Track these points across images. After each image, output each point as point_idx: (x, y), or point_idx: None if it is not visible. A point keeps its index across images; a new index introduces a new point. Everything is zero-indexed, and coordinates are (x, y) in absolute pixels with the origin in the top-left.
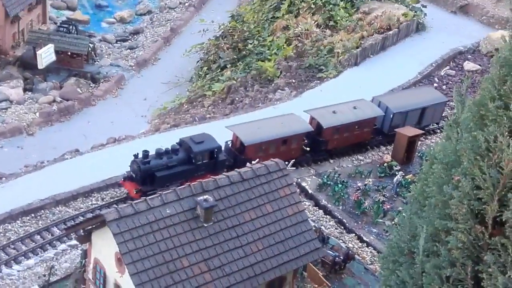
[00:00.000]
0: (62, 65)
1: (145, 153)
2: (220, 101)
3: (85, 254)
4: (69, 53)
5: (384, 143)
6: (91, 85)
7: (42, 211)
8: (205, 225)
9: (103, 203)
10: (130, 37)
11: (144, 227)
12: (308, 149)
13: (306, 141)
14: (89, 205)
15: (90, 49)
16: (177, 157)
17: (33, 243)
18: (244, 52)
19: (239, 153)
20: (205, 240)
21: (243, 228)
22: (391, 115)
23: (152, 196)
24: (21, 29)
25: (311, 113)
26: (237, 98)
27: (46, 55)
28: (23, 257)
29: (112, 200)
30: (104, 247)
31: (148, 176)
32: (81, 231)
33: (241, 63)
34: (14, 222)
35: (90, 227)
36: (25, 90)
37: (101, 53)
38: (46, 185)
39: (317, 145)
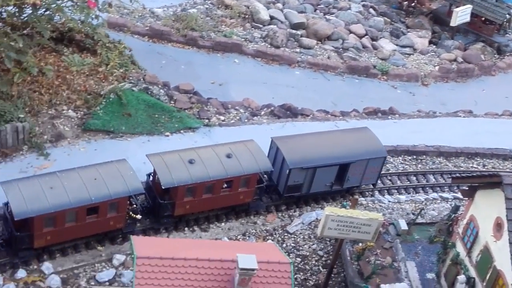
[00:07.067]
0: (471, 28)
1: None
2: None
3: (455, 209)
4: (483, 19)
5: (280, 206)
6: (495, 55)
7: (424, 156)
8: None
9: (483, 169)
10: None
11: None
12: (139, 217)
13: (135, 205)
14: (469, 166)
15: (505, 19)
16: None
17: (408, 182)
18: None
19: (16, 230)
20: None
21: None
22: (287, 171)
23: None
24: None
25: (152, 162)
26: None
27: (461, 14)
28: (395, 191)
29: (491, 169)
30: (486, 208)
31: None
32: (467, 185)
33: None
34: (397, 157)
35: (479, 184)
36: (430, 42)
37: None
38: (435, 134)
39: (158, 210)
